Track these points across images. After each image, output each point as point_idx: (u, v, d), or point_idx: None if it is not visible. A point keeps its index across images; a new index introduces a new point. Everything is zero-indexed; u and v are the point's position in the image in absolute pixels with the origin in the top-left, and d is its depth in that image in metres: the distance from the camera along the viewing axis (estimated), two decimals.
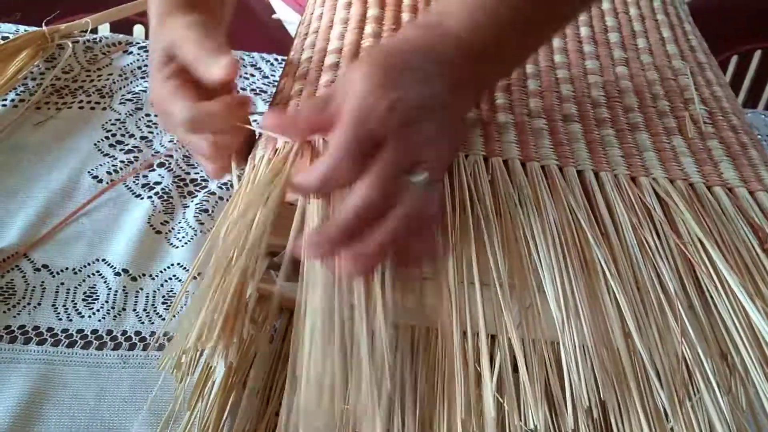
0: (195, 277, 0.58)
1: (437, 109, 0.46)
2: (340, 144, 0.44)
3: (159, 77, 0.54)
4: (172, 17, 0.56)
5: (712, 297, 0.47)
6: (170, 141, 0.74)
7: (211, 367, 0.47)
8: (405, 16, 0.63)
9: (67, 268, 0.61)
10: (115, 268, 0.62)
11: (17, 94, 0.76)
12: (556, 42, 0.66)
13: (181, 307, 0.59)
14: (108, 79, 0.80)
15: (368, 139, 0.44)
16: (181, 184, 0.70)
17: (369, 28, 0.61)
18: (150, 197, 0.68)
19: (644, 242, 0.49)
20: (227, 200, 0.68)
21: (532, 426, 0.41)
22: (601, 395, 0.42)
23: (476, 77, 0.50)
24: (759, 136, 0.88)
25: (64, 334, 0.57)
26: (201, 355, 0.45)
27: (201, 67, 0.52)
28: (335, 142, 0.44)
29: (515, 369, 0.43)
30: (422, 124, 0.45)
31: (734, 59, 1.31)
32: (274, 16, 1.06)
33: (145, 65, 0.83)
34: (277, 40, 1.05)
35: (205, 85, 0.53)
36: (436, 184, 0.47)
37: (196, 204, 0.68)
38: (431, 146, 0.46)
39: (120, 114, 0.76)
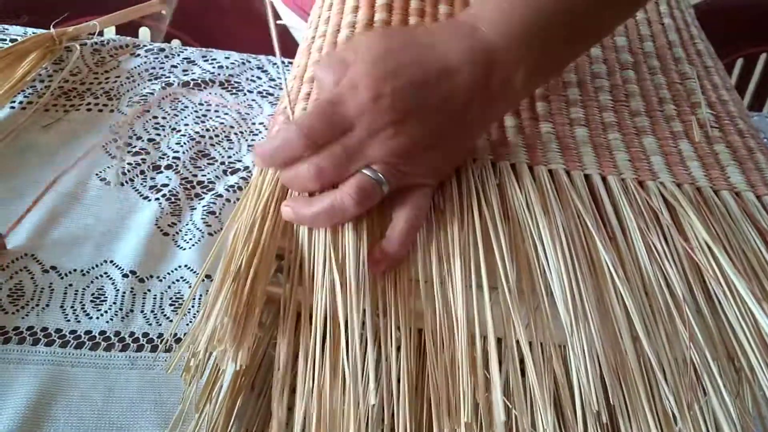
0: (203, 280, 0.59)
1: (424, 117, 0.46)
2: (303, 118, 0.45)
3: None
4: None
5: (719, 300, 0.47)
6: (177, 143, 0.74)
7: (219, 369, 0.47)
8: (412, 20, 0.63)
9: (75, 270, 0.61)
10: (122, 269, 0.62)
11: (25, 97, 0.76)
12: None
13: (189, 310, 0.60)
14: (116, 82, 0.80)
15: (338, 122, 0.45)
16: (188, 186, 0.70)
17: None
18: (157, 199, 0.68)
19: (652, 246, 0.49)
20: (234, 202, 0.69)
21: (541, 430, 0.42)
22: (610, 399, 0.43)
23: (492, 93, 0.48)
24: (765, 140, 0.89)
25: (72, 335, 0.57)
26: (209, 357, 0.45)
27: None
28: (302, 115, 0.46)
29: (523, 373, 0.44)
30: (398, 126, 0.45)
31: (739, 62, 1.31)
32: (279, 21, 1.06)
33: (152, 68, 0.83)
34: (283, 42, 1.05)
35: None
36: (422, 189, 0.47)
37: (203, 206, 0.68)
38: (403, 151, 0.45)
39: (127, 116, 0.76)
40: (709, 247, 0.49)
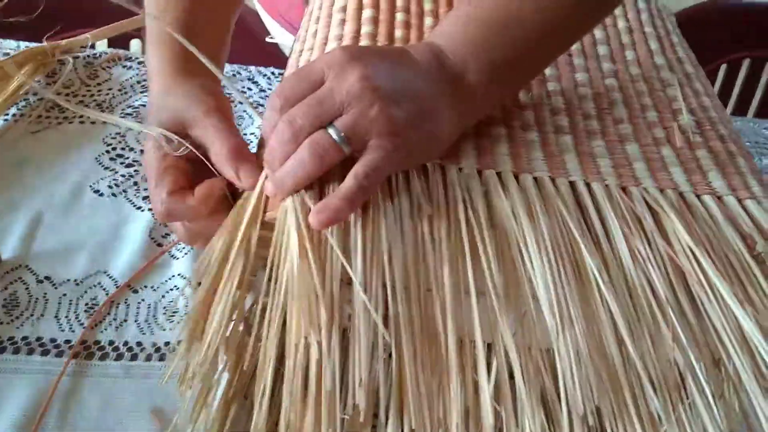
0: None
1: (408, 94, 0.48)
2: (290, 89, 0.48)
3: (156, 149, 0.53)
4: (179, 84, 0.56)
5: (703, 304, 0.48)
6: None
7: (212, 379, 0.48)
8: (398, 32, 0.64)
9: (68, 280, 0.62)
10: (116, 280, 0.62)
11: (18, 110, 0.77)
12: None
13: (182, 319, 0.60)
14: (108, 94, 0.81)
15: (310, 77, 0.47)
16: None
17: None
18: (150, 209, 0.69)
19: (636, 251, 0.50)
20: None
21: None
22: (596, 401, 0.43)
23: (460, 90, 0.51)
24: (748, 144, 0.90)
25: (67, 345, 0.57)
26: (203, 367, 0.46)
27: (225, 171, 0.51)
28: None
29: (511, 376, 0.44)
30: (374, 85, 0.46)
31: (723, 68, 1.32)
32: (268, 38, 1.06)
33: (144, 79, 0.84)
34: (273, 54, 1.06)
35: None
36: (379, 149, 0.47)
37: None
38: (379, 112, 0.46)
39: (120, 128, 0.77)
40: (692, 251, 0.50)
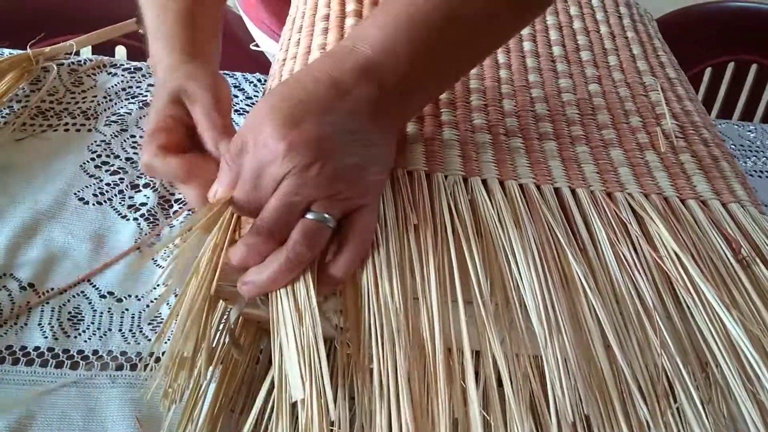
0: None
1: (342, 140, 0.46)
2: (238, 199, 0.47)
3: (161, 109, 0.55)
4: (182, 66, 0.57)
5: (689, 308, 0.48)
6: None
7: (198, 392, 0.48)
8: None
9: (53, 288, 0.62)
10: (100, 290, 0.62)
11: (2, 117, 0.76)
12: (530, 62, 0.67)
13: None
14: (93, 101, 0.80)
15: (265, 184, 0.46)
16: (166, 205, 0.71)
17: None
18: (136, 219, 0.68)
19: (621, 256, 0.50)
20: None
21: None
22: (585, 408, 0.43)
23: (393, 103, 0.49)
24: (732, 147, 0.91)
25: (50, 354, 0.57)
26: (189, 380, 0.46)
27: (205, 138, 0.53)
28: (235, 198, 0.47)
29: (500, 384, 0.44)
30: (323, 160, 0.45)
31: (708, 71, 1.33)
32: (252, 45, 1.06)
33: (129, 86, 0.83)
34: (259, 60, 1.06)
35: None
36: (363, 209, 0.47)
37: (181, 224, 0.68)
38: (338, 180, 0.46)
39: (105, 135, 0.77)
40: (678, 256, 0.50)
